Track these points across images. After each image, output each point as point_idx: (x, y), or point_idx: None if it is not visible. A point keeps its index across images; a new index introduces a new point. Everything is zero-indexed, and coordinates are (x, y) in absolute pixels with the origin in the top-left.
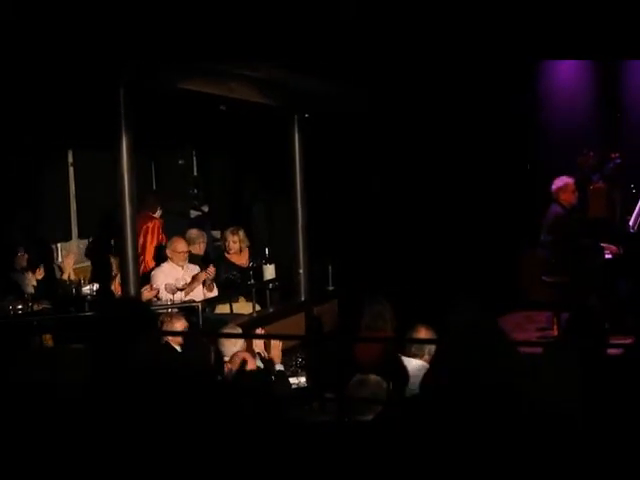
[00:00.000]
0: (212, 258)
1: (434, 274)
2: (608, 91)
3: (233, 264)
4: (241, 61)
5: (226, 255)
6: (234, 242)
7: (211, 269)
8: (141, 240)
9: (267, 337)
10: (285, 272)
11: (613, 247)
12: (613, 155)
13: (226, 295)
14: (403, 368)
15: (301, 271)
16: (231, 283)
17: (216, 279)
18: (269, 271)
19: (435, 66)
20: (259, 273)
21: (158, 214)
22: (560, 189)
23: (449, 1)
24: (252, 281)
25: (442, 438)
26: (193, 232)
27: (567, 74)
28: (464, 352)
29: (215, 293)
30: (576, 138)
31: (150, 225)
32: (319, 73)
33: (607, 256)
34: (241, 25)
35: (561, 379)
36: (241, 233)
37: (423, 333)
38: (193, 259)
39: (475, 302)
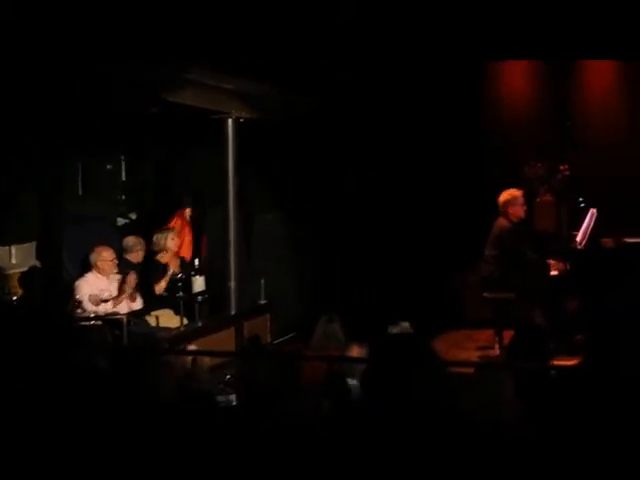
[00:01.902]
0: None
1: (374, 290)
2: (558, 100)
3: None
4: (178, 62)
5: (157, 258)
6: (172, 239)
7: (131, 277)
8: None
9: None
10: (215, 284)
11: (559, 263)
12: (562, 167)
13: (151, 307)
14: (347, 389)
15: (232, 284)
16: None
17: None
18: (198, 283)
19: (383, 76)
20: (188, 285)
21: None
22: (508, 202)
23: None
24: (180, 293)
25: (371, 452)
26: (130, 239)
27: (515, 83)
28: (391, 370)
29: (139, 304)
30: (524, 148)
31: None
32: (256, 76)
33: (553, 272)
34: (179, 25)
35: (492, 399)
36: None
37: (355, 351)
38: (131, 267)
39: (411, 320)
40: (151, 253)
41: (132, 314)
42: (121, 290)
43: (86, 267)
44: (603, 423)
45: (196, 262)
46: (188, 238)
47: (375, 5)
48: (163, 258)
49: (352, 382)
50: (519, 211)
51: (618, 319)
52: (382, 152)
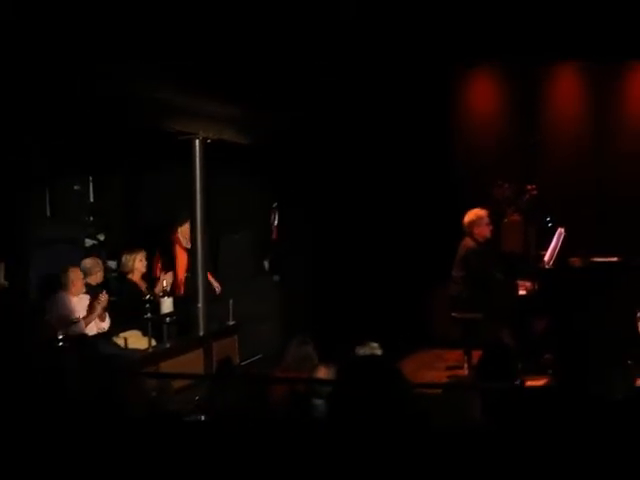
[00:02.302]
0: (112, 288)
1: (343, 310)
2: (525, 120)
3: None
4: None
5: (130, 277)
6: (140, 260)
7: (103, 296)
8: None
9: (181, 377)
10: (183, 305)
11: (527, 283)
12: (529, 187)
13: (119, 328)
14: (310, 410)
15: (200, 305)
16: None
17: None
18: (167, 304)
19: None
20: (156, 306)
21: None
22: (473, 222)
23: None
24: (149, 314)
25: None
26: (87, 262)
27: (482, 104)
28: (358, 393)
29: (108, 324)
30: (492, 169)
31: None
32: (224, 97)
33: (521, 292)
34: (148, 45)
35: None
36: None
37: (322, 373)
38: (91, 289)
39: (380, 340)
40: (121, 274)
41: (101, 335)
42: (92, 309)
43: (54, 288)
44: (572, 442)
45: (164, 283)
46: (182, 257)
47: (341, 26)
48: (133, 278)
49: (318, 402)
50: (485, 231)
51: (586, 338)
52: (350, 173)
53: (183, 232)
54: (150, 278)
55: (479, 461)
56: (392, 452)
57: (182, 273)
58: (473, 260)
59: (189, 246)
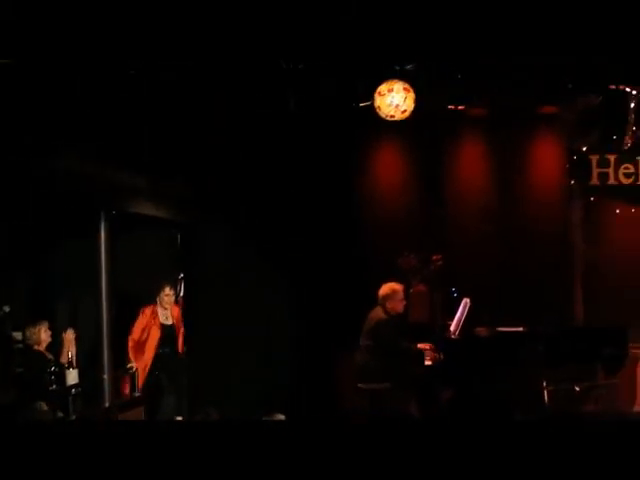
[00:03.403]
0: (18, 360)
1: (249, 381)
2: (429, 186)
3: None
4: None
5: (36, 348)
6: (45, 331)
7: None
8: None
9: None
10: (89, 376)
11: (433, 353)
12: (434, 257)
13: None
14: None
15: (105, 376)
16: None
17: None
18: (72, 375)
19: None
20: (61, 377)
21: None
22: (387, 296)
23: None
24: (54, 386)
25: None
26: None
27: (387, 169)
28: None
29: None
30: (398, 237)
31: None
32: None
33: (427, 362)
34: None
35: None
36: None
37: None
38: None
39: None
40: (27, 345)
41: None
42: None
43: None
44: None
45: (69, 354)
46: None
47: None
48: (39, 349)
49: None
50: (398, 306)
51: (492, 408)
52: (256, 241)
53: (162, 301)
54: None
55: None
56: None
57: (151, 352)
58: (383, 331)
59: (168, 322)
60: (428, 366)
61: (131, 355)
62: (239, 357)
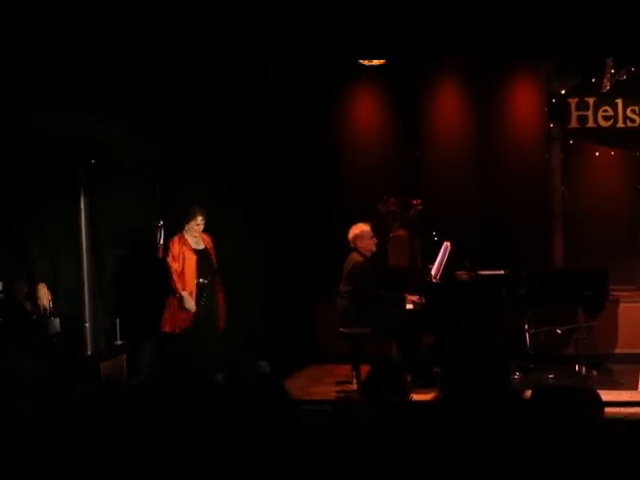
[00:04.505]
0: None
1: (232, 327)
2: (409, 133)
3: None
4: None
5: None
6: (23, 284)
7: None
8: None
9: None
10: (71, 326)
11: (415, 297)
12: (414, 202)
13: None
14: None
15: (87, 324)
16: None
17: None
18: (54, 325)
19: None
20: (44, 327)
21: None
22: (357, 236)
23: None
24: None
25: None
26: None
27: (365, 118)
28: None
29: None
30: (377, 182)
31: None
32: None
33: (408, 306)
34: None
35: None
36: None
37: None
38: None
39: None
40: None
41: None
42: None
43: None
44: (459, 455)
45: (46, 302)
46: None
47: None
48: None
49: None
50: (369, 244)
51: (473, 351)
52: (234, 189)
53: (192, 230)
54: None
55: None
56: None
57: (192, 280)
58: (360, 275)
59: (200, 246)
60: (409, 310)
61: (178, 285)
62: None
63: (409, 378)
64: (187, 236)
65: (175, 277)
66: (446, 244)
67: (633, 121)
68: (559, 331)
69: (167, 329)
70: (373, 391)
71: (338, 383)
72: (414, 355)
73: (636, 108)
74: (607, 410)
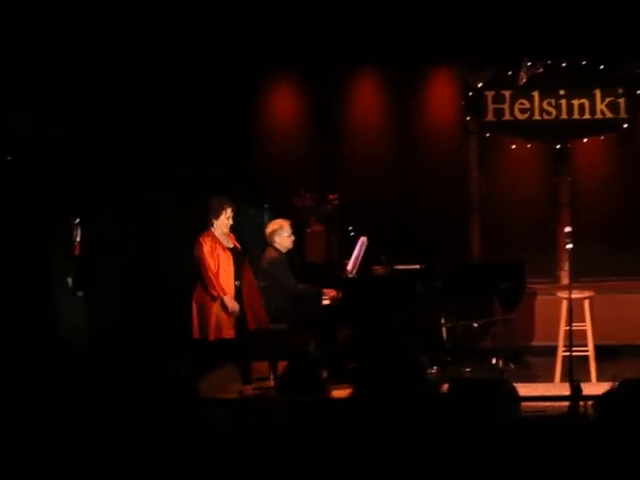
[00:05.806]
0: None
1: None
2: (327, 127)
3: None
4: None
5: None
6: None
7: None
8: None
9: None
10: None
11: (331, 292)
12: (331, 196)
13: None
14: None
15: None
16: None
17: None
18: None
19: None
20: None
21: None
22: (275, 232)
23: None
24: None
25: None
26: None
27: (284, 110)
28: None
29: None
30: (294, 177)
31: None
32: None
33: (325, 302)
34: None
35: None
36: None
37: None
38: None
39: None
40: None
41: None
42: None
43: None
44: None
45: None
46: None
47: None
48: None
49: None
50: (286, 241)
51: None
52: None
53: (222, 225)
54: None
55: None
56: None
57: (231, 283)
58: (276, 270)
59: (230, 245)
60: (326, 305)
61: (218, 288)
62: (142, 297)
63: (325, 374)
64: (217, 234)
65: (213, 279)
66: (362, 239)
67: (549, 114)
68: (476, 325)
69: (211, 337)
70: (289, 388)
71: (256, 380)
72: (331, 350)
73: (552, 101)
74: (524, 404)
